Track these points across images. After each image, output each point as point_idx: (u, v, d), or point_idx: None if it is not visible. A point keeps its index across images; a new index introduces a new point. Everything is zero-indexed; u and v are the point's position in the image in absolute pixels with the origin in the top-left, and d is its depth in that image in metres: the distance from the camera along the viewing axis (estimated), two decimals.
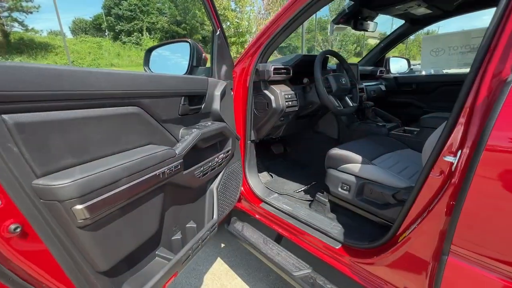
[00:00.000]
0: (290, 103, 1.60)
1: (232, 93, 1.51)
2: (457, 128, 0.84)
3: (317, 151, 2.26)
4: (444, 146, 0.88)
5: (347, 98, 1.72)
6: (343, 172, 1.40)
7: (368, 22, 1.91)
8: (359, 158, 1.37)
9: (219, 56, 1.35)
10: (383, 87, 2.58)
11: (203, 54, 1.38)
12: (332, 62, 2.19)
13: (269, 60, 1.62)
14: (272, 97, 1.53)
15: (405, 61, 2.89)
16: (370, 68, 2.61)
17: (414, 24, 2.31)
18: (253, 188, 1.71)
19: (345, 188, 1.38)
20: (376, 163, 1.39)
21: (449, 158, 0.82)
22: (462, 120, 0.82)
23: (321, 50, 1.86)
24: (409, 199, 0.99)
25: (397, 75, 2.77)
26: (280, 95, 1.55)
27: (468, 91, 0.81)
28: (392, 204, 1.23)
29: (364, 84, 2.34)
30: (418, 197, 0.96)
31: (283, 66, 1.58)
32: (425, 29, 2.57)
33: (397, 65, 2.87)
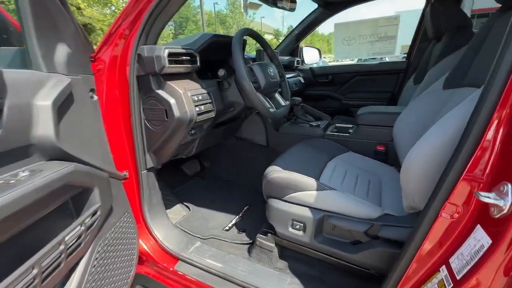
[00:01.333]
0: (202, 107, 1.05)
1: (95, 97, 0.85)
2: (487, 142, 0.52)
3: (243, 163, 1.80)
4: (463, 172, 0.55)
5: (277, 95, 1.31)
6: (291, 203, 0.98)
7: None
8: (309, 181, 0.97)
9: (43, 20, 0.65)
10: (301, 79, 2.35)
11: (9, 22, 0.65)
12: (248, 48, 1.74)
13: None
14: (171, 101, 0.95)
15: (316, 51, 2.76)
16: (287, 58, 2.32)
17: (327, 8, 2.13)
18: (161, 241, 1.10)
19: (297, 227, 0.96)
20: (325, 180, 1.04)
21: (491, 199, 0.48)
22: (502, 129, 0.50)
23: None
24: (410, 248, 0.64)
25: (313, 65, 2.61)
26: (185, 97, 0.98)
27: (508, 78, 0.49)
28: (365, 243, 0.89)
29: None
30: (422, 247, 0.63)
31: (184, 51, 1.01)
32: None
33: (308, 55, 2.71)
